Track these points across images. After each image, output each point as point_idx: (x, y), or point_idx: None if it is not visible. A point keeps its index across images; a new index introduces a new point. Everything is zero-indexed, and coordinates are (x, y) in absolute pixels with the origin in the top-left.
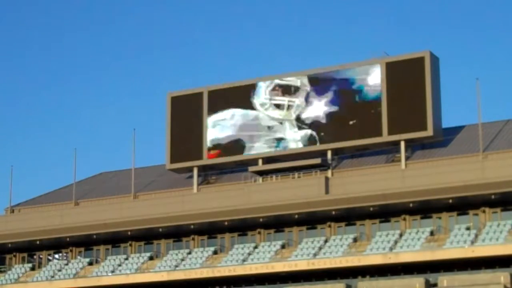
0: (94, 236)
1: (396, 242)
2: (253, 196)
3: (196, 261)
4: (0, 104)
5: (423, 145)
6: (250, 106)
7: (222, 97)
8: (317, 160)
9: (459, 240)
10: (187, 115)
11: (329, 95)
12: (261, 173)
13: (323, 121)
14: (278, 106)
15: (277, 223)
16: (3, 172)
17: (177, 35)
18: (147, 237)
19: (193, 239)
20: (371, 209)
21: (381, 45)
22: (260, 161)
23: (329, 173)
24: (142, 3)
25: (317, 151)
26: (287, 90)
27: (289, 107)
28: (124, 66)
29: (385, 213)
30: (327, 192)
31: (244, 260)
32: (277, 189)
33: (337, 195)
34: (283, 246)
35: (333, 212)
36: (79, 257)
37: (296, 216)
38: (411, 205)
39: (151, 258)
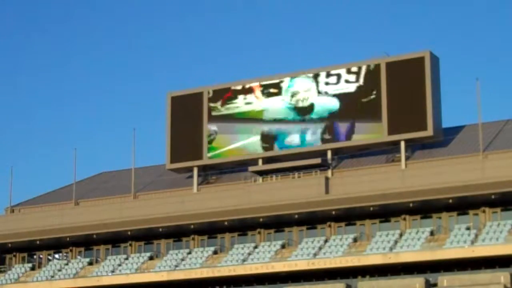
0: (94, 236)
1: (396, 242)
2: (253, 196)
3: (196, 261)
4: (0, 104)
5: (423, 145)
6: None
7: None
8: (317, 160)
9: (459, 240)
10: (187, 115)
11: None
12: (261, 173)
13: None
14: None
15: (277, 223)
16: (3, 172)
17: (177, 35)
18: (147, 237)
19: (193, 239)
20: (371, 209)
21: (381, 45)
22: (260, 161)
23: (329, 173)
24: (142, 3)
25: (317, 151)
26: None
27: None
28: (124, 66)
29: (385, 213)
30: (327, 192)
31: (244, 260)
32: (277, 189)
33: (337, 195)
34: (283, 246)
35: (333, 212)
36: (79, 257)
37: (296, 216)
38: (411, 205)
39: (151, 258)
